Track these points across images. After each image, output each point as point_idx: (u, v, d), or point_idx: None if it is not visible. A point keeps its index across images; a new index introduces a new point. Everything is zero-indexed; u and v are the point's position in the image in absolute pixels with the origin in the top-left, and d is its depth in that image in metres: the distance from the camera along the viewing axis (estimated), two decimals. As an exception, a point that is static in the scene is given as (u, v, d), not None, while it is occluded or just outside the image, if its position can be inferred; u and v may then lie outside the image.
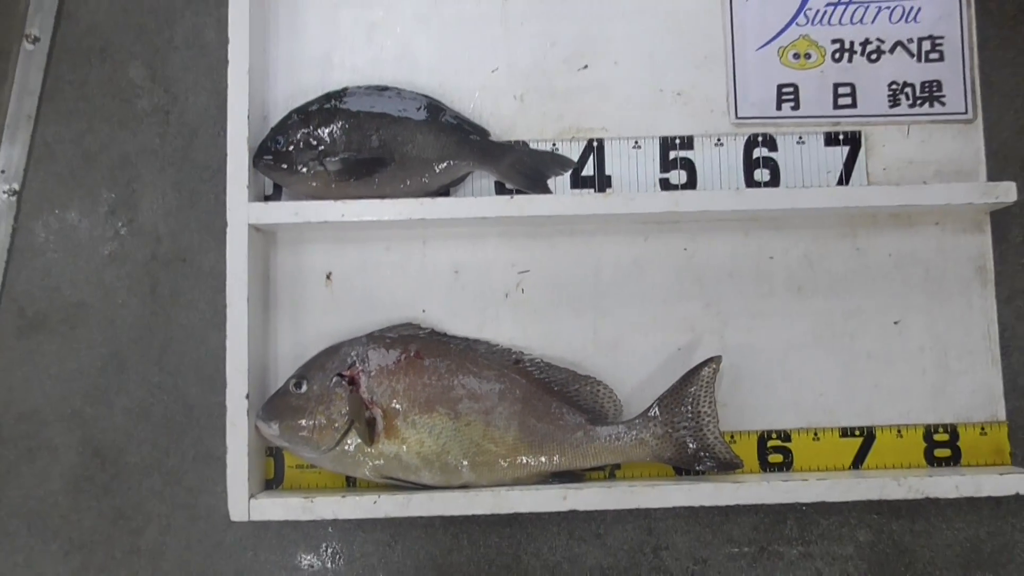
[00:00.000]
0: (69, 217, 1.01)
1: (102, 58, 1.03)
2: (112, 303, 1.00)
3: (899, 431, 0.98)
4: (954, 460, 0.97)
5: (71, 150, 1.02)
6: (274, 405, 0.91)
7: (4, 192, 1.00)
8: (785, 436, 0.97)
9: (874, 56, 1.01)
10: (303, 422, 0.90)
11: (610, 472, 0.96)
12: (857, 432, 0.98)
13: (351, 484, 0.96)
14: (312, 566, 0.97)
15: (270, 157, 0.94)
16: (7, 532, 0.97)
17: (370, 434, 0.90)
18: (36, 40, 1.02)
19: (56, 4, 1.02)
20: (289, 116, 0.96)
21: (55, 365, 0.99)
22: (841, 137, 1.01)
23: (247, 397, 0.91)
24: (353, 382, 0.91)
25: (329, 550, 0.97)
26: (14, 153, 1.01)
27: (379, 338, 0.94)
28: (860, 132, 1.01)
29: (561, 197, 0.96)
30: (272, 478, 0.96)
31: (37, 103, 1.02)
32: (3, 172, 1.00)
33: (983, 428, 0.98)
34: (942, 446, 0.97)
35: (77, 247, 1.01)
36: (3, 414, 0.99)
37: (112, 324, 1.00)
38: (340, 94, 0.96)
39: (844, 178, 1.00)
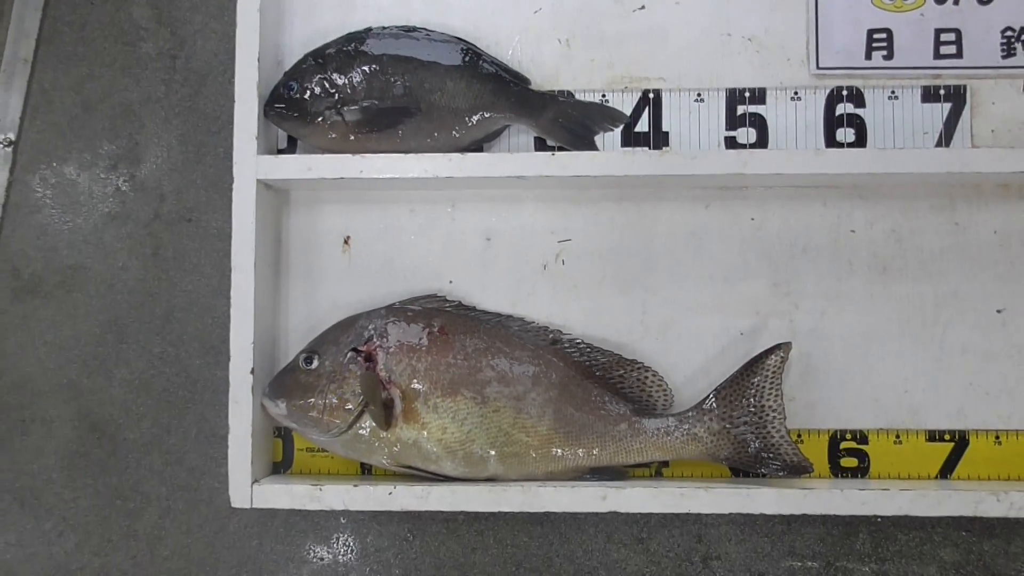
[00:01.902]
0: (67, 171, 1.00)
1: (104, -3, 1.02)
2: (112, 266, 0.99)
3: (997, 437, 0.91)
4: (1063, 472, 0.90)
5: (70, 98, 1.01)
6: (281, 382, 0.89)
7: (-1, 142, 1.00)
8: (861, 437, 0.92)
9: (986, -4, 0.94)
10: (313, 401, 0.87)
11: (656, 470, 0.92)
12: (947, 436, 0.92)
13: (366, 471, 0.94)
14: (322, 559, 0.95)
15: (282, 105, 0.91)
16: (-1, 508, 0.97)
17: (386, 417, 0.86)
18: (35, -23, 1.01)
19: (56, -60, 1.02)
20: (304, 60, 0.93)
21: (50, 331, 0.98)
22: (942, 92, 0.94)
23: (252, 372, 0.88)
24: (370, 359, 0.88)
25: (341, 542, 0.95)
26: (10, 101, 1.00)
27: (400, 311, 0.91)
28: (965, 87, 0.94)
29: (610, 155, 0.91)
30: (280, 461, 0.94)
31: (34, 46, 1.01)
32: (-2, 121, 1.00)
33: (1099, 436, 0.91)
34: (1049, 455, 0.91)
35: (75, 204, 1.00)
36: (-4, 382, 0.98)
37: (111, 289, 0.98)
38: (362, 36, 0.93)
39: (944, 140, 0.94)
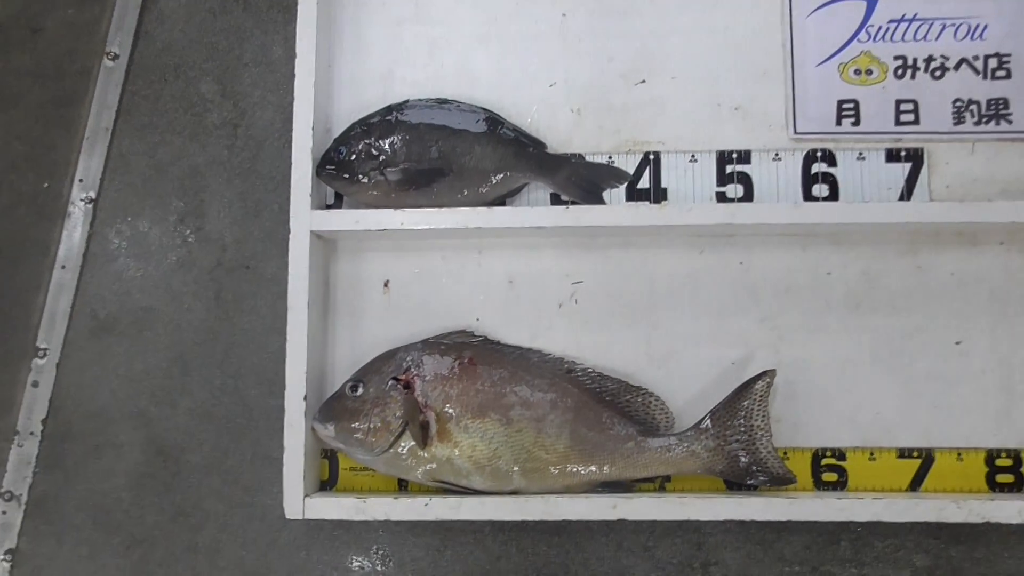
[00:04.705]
0: (141, 225, 1.12)
1: (176, 75, 1.15)
2: (179, 308, 1.10)
3: (959, 454, 1.01)
4: (1017, 487, 1.00)
5: (144, 161, 1.13)
6: (330, 407, 0.99)
7: (82, 200, 1.12)
8: (840, 455, 1.02)
9: (938, 73, 1.06)
10: (358, 424, 0.97)
11: (660, 484, 1.01)
12: (915, 454, 1.01)
13: (403, 488, 1.03)
14: (363, 568, 1.05)
15: (333, 167, 1.02)
16: (73, 525, 1.07)
17: (423, 437, 0.97)
18: (116, 57, 1.14)
19: (135, 24, 1.15)
20: (352, 127, 1.04)
21: (123, 366, 1.10)
22: (903, 154, 1.05)
23: (305, 399, 0.99)
24: (408, 386, 0.98)
25: (380, 553, 1.05)
26: (92, 164, 1.13)
27: (434, 344, 1.01)
28: (922, 149, 1.05)
29: (616, 208, 1.02)
30: (327, 480, 1.04)
31: (114, 117, 1.13)
32: (81, 181, 1.12)
33: (1049, 454, 1.00)
34: (1005, 471, 1.00)
35: (147, 254, 1.12)
36: (73, 412, 1.09)
37: (178, 328, 1.10)
38: (401, 107, 1.05)
39: (906, 195, 1.04)
